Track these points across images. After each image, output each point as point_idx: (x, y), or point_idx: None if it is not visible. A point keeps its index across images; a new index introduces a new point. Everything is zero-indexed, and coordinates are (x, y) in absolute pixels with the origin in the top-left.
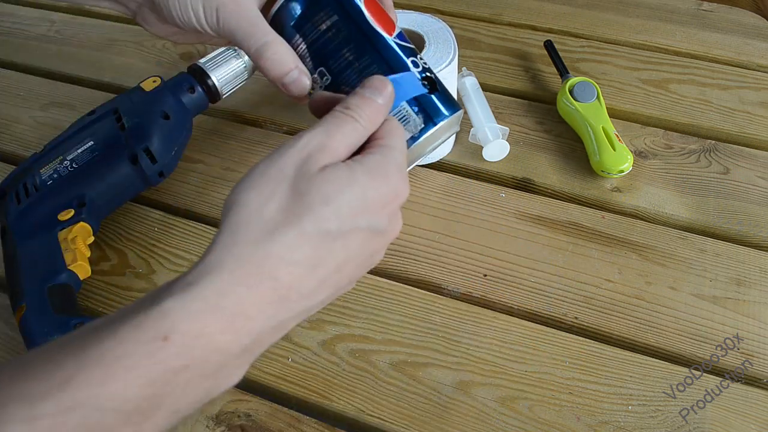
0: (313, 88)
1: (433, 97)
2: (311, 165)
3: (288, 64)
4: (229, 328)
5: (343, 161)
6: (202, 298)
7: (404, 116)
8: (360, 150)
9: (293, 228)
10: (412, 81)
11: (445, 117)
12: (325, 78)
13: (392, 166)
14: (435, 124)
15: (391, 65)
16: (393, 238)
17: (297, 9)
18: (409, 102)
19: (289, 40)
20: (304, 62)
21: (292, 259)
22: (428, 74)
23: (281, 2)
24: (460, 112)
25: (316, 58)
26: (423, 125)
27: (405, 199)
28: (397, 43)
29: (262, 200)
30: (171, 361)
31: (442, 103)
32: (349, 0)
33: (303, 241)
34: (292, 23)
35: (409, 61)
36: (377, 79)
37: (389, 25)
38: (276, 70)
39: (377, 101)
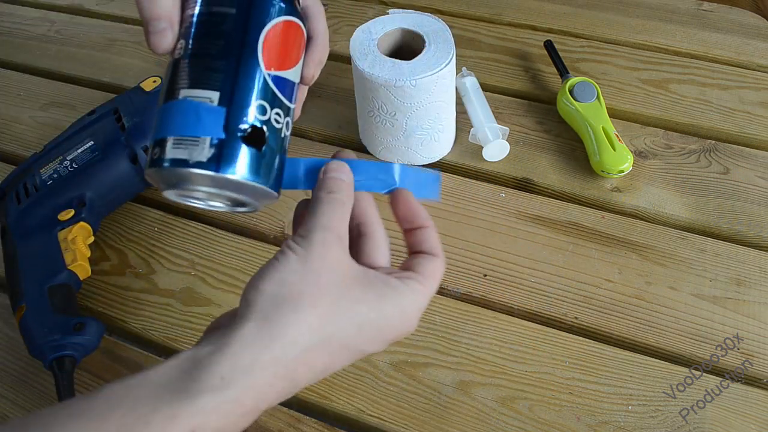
0: (173, 51)
1: (240, 145)
2: (336, 266)
3: (165, 8)
4: (246, 420)
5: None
6: (234, 398)
7: (193, 139)
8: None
9: (325, 346)
10: (238, 115)
11: (232, 173)
12: (181, 50)
13: (415, 308)
14: (207, 170)
15: (233, 89)
16: None
17: None
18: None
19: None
20: (181, 26)
21: (315, 368)
22: (267, 129)
23: None
24: (266, 191)
25: (191, 30)
26: (202, 160)
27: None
28: (264, 80)
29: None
30: None
31: (249, 163)
32: (259, 9)
33: (326, 352)
34: None
35: (255, 102)
36: (336, 164)
37: (284, 62)
38: (150, 10)
39: (348, 178)
